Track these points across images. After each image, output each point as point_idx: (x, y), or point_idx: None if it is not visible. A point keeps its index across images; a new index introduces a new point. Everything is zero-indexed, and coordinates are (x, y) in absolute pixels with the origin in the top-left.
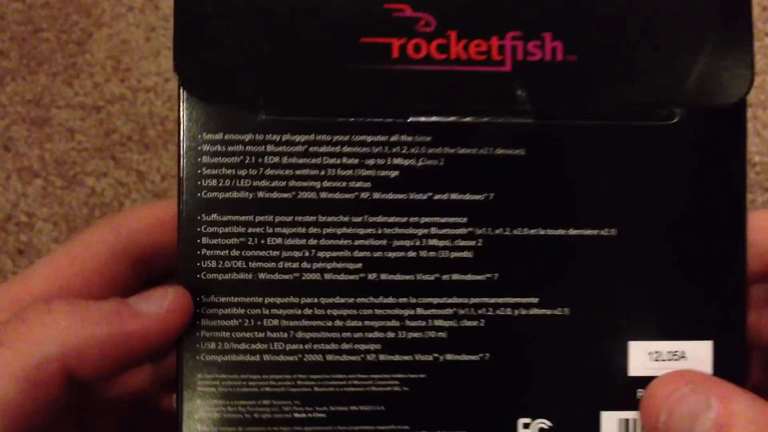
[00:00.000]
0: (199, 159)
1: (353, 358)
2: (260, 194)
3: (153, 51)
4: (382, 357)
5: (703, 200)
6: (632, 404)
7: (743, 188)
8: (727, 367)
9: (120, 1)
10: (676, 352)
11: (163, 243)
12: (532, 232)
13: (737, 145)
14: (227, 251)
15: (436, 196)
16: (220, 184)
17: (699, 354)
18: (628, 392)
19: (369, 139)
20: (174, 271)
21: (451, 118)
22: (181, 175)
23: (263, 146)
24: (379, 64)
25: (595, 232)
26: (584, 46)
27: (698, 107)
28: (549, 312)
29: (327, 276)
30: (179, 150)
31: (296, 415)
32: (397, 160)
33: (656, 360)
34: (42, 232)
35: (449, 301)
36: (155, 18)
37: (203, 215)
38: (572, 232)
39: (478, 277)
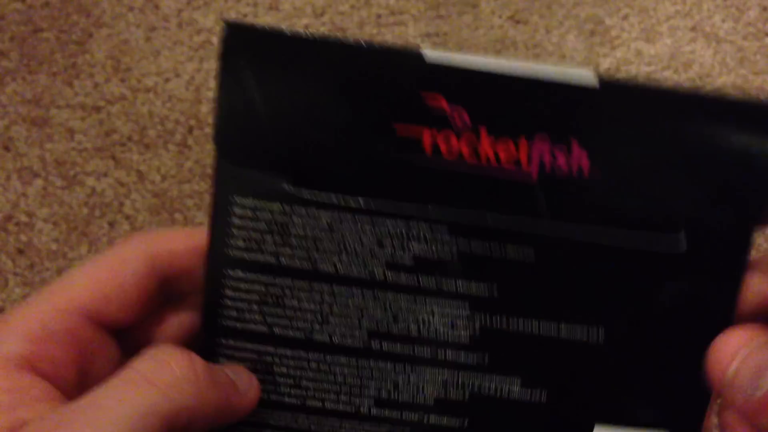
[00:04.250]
0: (229, 218)
1: (348, 408)
2: (283, 260)
3: (153, 51)
4: (373, 411)
5: (685, 319)
6: None
7: (734, 304)
8: None
9: (120, 1)
10: None
11: (191, 269)
12: (525, 326)
13: (736, 269)
14: (247, 304)
15: (444, 283)
16: (247, 246)
17: None
18: None
19: (389, 223)
20: (191, 292)
21: (469, 213)
22: (211, 229)
23: (290, 217)
24: (410, 154)
25: (584, 337)
26: (609, 162)
27: (702, 241)
28: (528, 394)
29: (335, 339)
30: (212, 206)
31: None
32: (413, 246)
33: None
34: (42, 232)
35: (440, 374)
36: (155, 18)
37: (228, 270)
38: (563, 333)
39: (470, 359)
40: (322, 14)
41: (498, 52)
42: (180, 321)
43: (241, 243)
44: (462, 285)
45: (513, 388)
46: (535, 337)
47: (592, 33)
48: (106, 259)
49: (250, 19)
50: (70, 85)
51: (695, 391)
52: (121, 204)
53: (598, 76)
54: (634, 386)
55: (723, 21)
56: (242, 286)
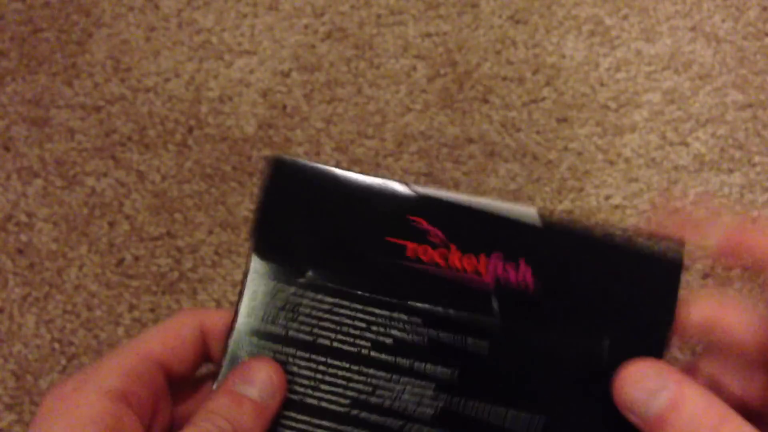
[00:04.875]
0: (255, 297)
1: None
2: (290, 333)
3: (153, 51)
4: None
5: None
6: None
7: None
8: None
9: (120, 1)
10: None
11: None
12: (479, 410)
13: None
14: None
15: (416, 364)
16: (265, 317)
17: None
18: None
19: (376, 311)
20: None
21: (439, 309)
22: (239, 306)
23: (301, 299)
24: (397, 259)
25: (529, 415)
26: (547, 278)
27: (622, 347)
28: None
29: (323, 404)
30: (242, 284)
31: None
32: (394, 331)
33: None
34: (42, 232)
35: None
36: (155, 18)
37: (247, 336)
38: (511, 412)
39: (433, 431)
40: (322, 14)
41: (498, 53)
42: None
43: (261, 314)
44: (430, 368)
45: None
46: (485, 421)
47: (592, 33)
48: (172, 323)
49: (249, 20)
50: (70, 85)
51: None
52: (121, 204)
53: (540, 215)
54: None
55: (723, 21)
56: (255, 350)
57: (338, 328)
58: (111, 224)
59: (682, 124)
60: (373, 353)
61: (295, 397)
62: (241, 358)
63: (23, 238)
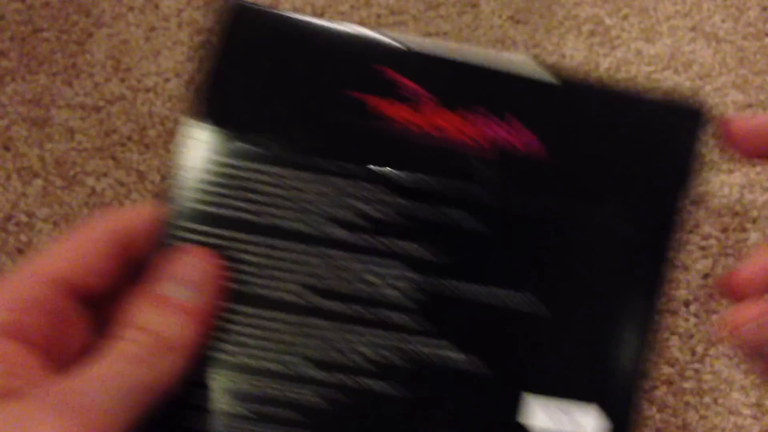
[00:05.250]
0: (190, 172)
1: (282, 368)
2: (232, 213)
3: (153, 51)
4: (311, 373)
5: (622, 292)
6: None
7: (663, 283)
8: (611, 429)
9: (120, 1)
10: (564, 409)
11: (151, 240)
12: (461, 290)
13: (663, 244)
14: None
15: (383, 243)
16: (202, 197)
17: (585, 415)
18: None
19: (333, 180)
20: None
21: (408, 175)
22: (168, 185)
23: (242, 172)
24: (358, 116)
25: (521, 306)
26: (554, 144)
27: (631, 213)
28: (463, 360)
29: (276, 293)
30: (175, 164)
31: (229, 408)
32: (356, 204)
33: (546, 414)
34: (42, 232)
35: (377, 336)
36: (155, 18)
37: (182, 221)
38: (500, 301)
39: (405, 320)
40: (322, 14)
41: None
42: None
43: (198, 196)
44: (400, 245)
45: (448, 353)
46: (473, 302)
47: (592, 33)
48: (74, 233)
49: None
50: (70, 85)
51: (627, 368)
52: (121, 204)
53: (543, 66)
54: (568, 359)
55: (723, 21)
56: (193, 237)
57: (288, 203)
58: None
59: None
60: (330, 231)
61: (243, 288)
62: (172, 246)
63: (23, 238)
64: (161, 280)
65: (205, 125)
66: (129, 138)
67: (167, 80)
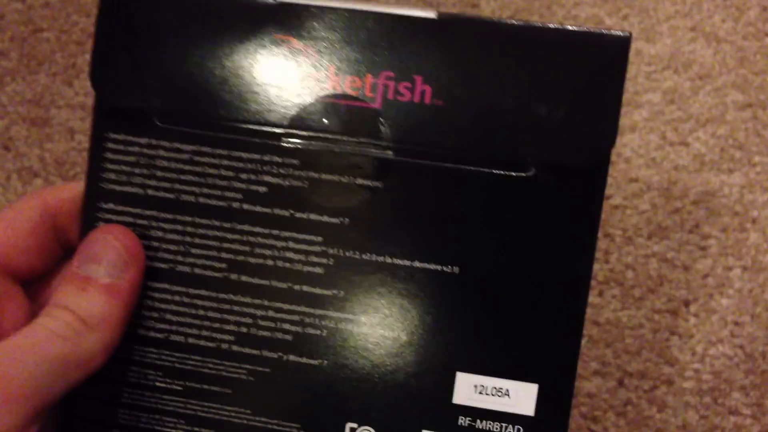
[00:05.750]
0: (103, 154)
1: (210, 344)
2: (149, 192)
3: None
4: (234, 348)
5: (547, 253)
6: (453, 428)
7: (590, 250)
8: (548, 411)
9: None
10: (500, 389)
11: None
12: (380, 258)
13: (591, 204)
14: None
15: (297, 214)
16: (117, 178)
17: (523, 394)
18: (450, 417)
19: (244, 155)
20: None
21: (319, 145)
22: (88, 165)
23: (156, 150)
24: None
25: (438, 267)
26: (451, 93)
27: (554, 164)
28: (385, 333)
29: (196, 270)
30: (89, 142)
31: (158, 384)
32: (267, 178)
33: (480, 393)
34: None
35: (297, 308)
36: None
37: (101, 203)
38: (417, 264)
39: (325, 292)
40: None
41: None
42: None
43: (113, 176)
44: (314, 217)
45: (370, 326)
46: (389, 267)
47: None
48: (3, 213)
49: None
50: (70, 85)
51: (565, 343)
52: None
53: (438, 12)
54: (499, 334)
55: (723, 21)
56: (113, 217)
57: (202, 180)
58: None
59: (682, 124)
60: (245, 206)
61: (164, 266)
62: (94, 227)
63: None
64: (82, 260)
65: (111, 109)
66: None
67: None
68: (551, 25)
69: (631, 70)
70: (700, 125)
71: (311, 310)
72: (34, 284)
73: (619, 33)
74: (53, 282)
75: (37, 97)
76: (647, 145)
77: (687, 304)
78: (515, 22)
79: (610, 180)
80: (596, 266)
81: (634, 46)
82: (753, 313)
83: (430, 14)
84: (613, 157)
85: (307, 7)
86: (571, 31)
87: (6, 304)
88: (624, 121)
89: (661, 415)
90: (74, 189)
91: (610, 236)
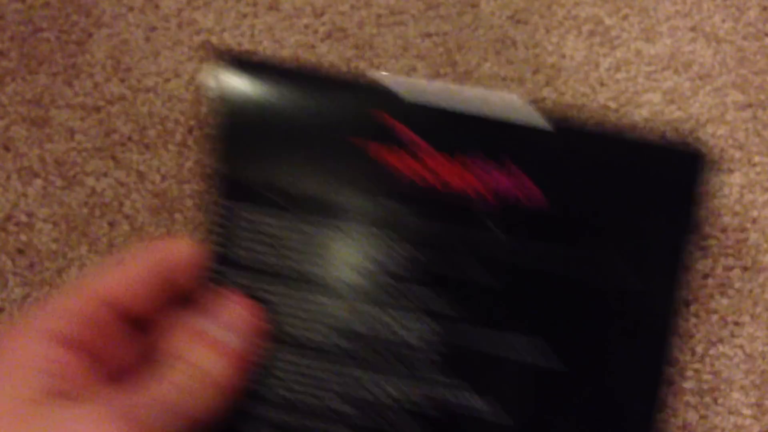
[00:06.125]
0: (226, 226)
1: (316, 402)
2: (270, 262)
3: (153, 51)
4: (342, 408)
5: (632, 344)
6: None
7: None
8: None
9: (120, 1)
10: None
11: (193, 273)
12: (481, 341)
13: (671, 301)
14: None
15: (407, 295)
16: (244, 250)
17: None
18: None
19: (356, 235)
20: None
21: (422, 229)
22: (214, 235)
23: (281, 230)
24: (363, 165)
25: (541, 359)
26: (554, 191)
27: (643, 259)
28: (482, 406)
29: (306, 335)
30: (216, 214)
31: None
32: (374, 254)
33: None
34: (42, 232)
35: (401, 381)
36: (155, 18)
37: (226, 270)
38: (509, 335)
39: (429, 367)
40: (322, 14)
41: (498, 53)
42: (185, 318)
43: (240, 248)
44: (417, 294)
45: (470, 400)
46: (488, 351)
47: (592, 33)
48: (124, 260)
49: (249, 20)
50: (70, 85)
51: (645, 418)
52: (121, 204)
53: (542, 112)
54: (583, 411)
55: (723, 21)
56: (236, 285)
57: (316, 258)
58: (111, 224)
59: (682, 124)
60: (353, 279)
61: (277, 329)
62: (218, 293)
63: (23, 238)
64: (209, 322)
65: (232, 187)
66: (129, 138)
67: (167, 80)
68: (629, 136)
69: (631, 70)
70: (700, 125)
71: (414, 383)
72: (141, 326)
73: (699, 149)
74: (161, 326)
75: (37, 97)
76: None
77: (687, 304)
78: (614, 132)
79: None
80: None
81: (635, 46)
82: (753, 313)
83: (547, 126)
84: None
85: (415, 100)
86: (657, 144)
87: (117, 342)
88: (624, 121)
89: (661, 415)
90: (186, 246)
91: None
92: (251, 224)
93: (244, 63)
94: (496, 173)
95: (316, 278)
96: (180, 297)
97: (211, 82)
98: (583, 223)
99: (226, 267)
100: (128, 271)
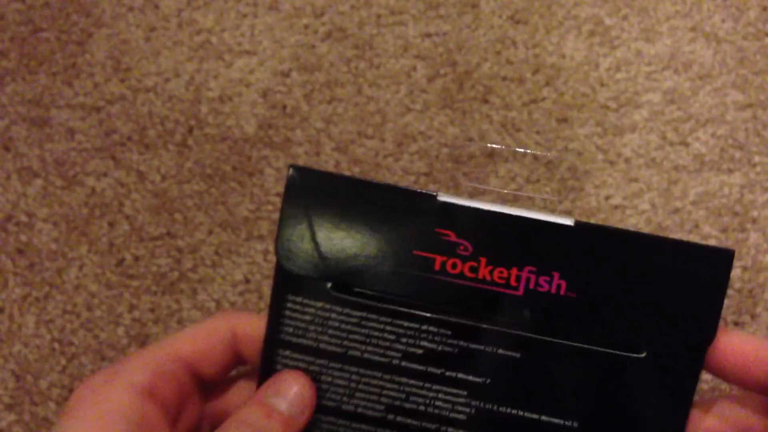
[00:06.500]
0: (283, 311)
1: None
2: (321, 345)
3: (153, 51)
4: None
5: (649, 419)
6: None
7: (686, 414)
8: None
9: (120, 1)
10: None
11: (257, 345)
12: (513, 411)
13: (691, 380)
14: None
15: (447, 373)
16: (294, 332)
17: None
18: None
19: (405, 324)
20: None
21: (470, 322)
22: (269, 318)
23: (329, 313)
24: (425, 272)
25: (561, 421)
26: (583, 287)
27: (661, 351)
28: None
29: (359, 410)
30: (270, 299)
31: None
32: (424, 342)
33: None
34: (42, 232)
35: None
36: (155, 18)
37: (279, 350)
38: (544, 418)
39: None
40: (322, 14)
41: (498, 53)
42: (246, 383)
43: (290, 330)
44: (461, 376)
45: None
46: (517, 427)
47: (592, 33)
48: (203, 326)
49: (249, 20)
50: (70, 85)
51: None
52: (121, 204)
53: (576, 224)
54: None
55: (723, 21)
56: (289, 363)
57: (368, 340)
58: (111, 224)
59: (682, 124)
60: (404, 363)
61: (331, 404)
62: (275, 370)
63: (23, 238)
64: (269, 394)
65: (292, 275)
66: (129, 138)
67: (167, 80)
68: (668, 238)
69: (631, 70)
70: (700, 125)
71: None
72: (210, 389)
73: (724, 248)
74: (224, 391)
75: (37, 97)
76: (647, 145)
77: None
78: (637, 233)
79: (610, 180)
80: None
81: (635, 46)
82: (753, 313)
83: (568, 221)
84: (613, 157)
85: (465, 208)
86: (684, 243)
87: (190, 400)
88: (624, 121)
89: None
90: (255, 322)
91: None
92: (310, 311)
93: (318, 175)
94: (541, 279)
95: (370, 360)
96: (242, 366)
97: (290, 193)
98: (607, 317)
99: (280, 348)
100: (204, 337)
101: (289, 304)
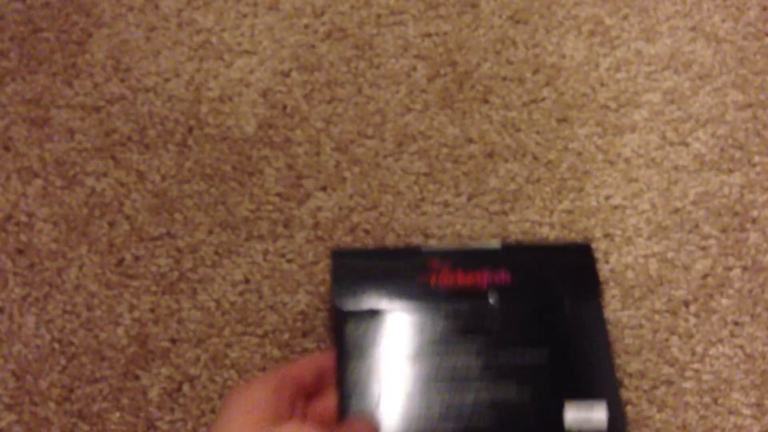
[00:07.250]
0: (348, 341)
1: None
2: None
3: (153, 51)
4: None
5: (585, 345)
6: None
7: (607, 342)
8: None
9: (120, 1)
10: (587, 407)
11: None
12: (505, 352)
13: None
14: (367, 399)
15: (456, 343)
16: (355, 343)
17: (599, 408)
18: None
19: (420, 316)
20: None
21: (458, 307)
22: (340, 350)
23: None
24: (426, 287)
25: (537, 349)
26: (520, 275)
27: (572, 300)
28: (520, 395)
29: (432, 411)
30: (337, 353)
31: None
32: (438, 327)
33: (577, 412)
34: (42, 232)
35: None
36: (155, 18)
37: (346, 363)
38: (526, 349)
39: (481, 375)
40: (322, 14)
41: (498, 53)
42: (334, 392)
43: (356, 356)
44: (467, 338)
45: (510, 391)
46: (511, 361)
47: (592, 33)
48: (302, 361)
49: (249, 20)
50: (70, 85)
51: (611, 376)
52: (121, 204)
53: (502, 242)
54: (583, 378)
55: (723, 21)
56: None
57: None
58: (111, 224)
59: (682, 124)
60: (430, 347)
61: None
62: (347, 411)
63: (23, 238)
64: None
65: (349, 334)
66: (129, 138)
67: (167, 80)
68: (549, 243)
69: (631, 70)
70: (700, 125)
71: (471, 388)
72: (310, 394)
73: (583, 242)
74: (320, 396)
75: (37, 97)
76: (647, 145)
77: (687, 304)
78: (532, 245)
79: (610, 180)
80: (596, 266)
81: (635, 46)
82: (753, 313)
83: (497, 245)
84: (613, 157)
85: (440, 251)
86: (566, 244)
87: (298, 403)
88: (624, 121)
89: (660, 415)
90: (327, 361)
91: (610, 236)
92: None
93: (352, 251)
94: (494, 275)
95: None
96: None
97: (333, 266)
98: (533, 287)
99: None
100: (305, 365)
101: (351, 339)
